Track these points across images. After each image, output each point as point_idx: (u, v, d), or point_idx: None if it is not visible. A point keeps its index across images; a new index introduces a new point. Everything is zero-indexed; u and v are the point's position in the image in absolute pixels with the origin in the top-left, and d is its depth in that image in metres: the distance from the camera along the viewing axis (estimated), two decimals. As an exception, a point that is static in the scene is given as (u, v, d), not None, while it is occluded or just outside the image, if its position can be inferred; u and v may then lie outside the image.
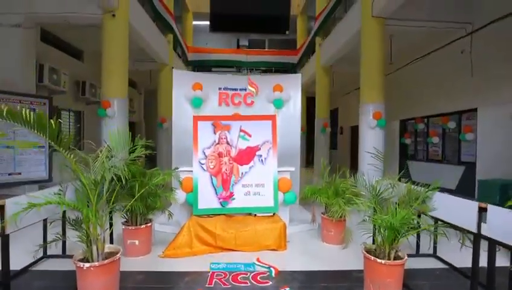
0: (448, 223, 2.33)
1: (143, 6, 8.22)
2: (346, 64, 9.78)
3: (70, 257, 2.80)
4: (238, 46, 16.08)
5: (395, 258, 2.38)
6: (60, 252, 3.07)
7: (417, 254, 3.20)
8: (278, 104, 5.40)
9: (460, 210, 2.20)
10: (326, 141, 11.32)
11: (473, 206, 1.99)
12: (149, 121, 14.97)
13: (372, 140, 6.81)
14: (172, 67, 10.89)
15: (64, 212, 2.56)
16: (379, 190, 2.69)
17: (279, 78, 5.53)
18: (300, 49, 13.77)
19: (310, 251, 3.44)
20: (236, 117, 4.07)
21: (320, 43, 10.85)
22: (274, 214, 3.76)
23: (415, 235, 2.79)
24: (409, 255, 3.08)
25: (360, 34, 6.98)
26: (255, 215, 3.71)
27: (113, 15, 6.30)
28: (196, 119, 3.85)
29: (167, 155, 10.29)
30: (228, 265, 2.99)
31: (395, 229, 2.29)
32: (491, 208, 1.90)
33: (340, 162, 16.18)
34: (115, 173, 2.27)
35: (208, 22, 14.00)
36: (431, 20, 6.80)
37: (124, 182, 2.42)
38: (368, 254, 2.41)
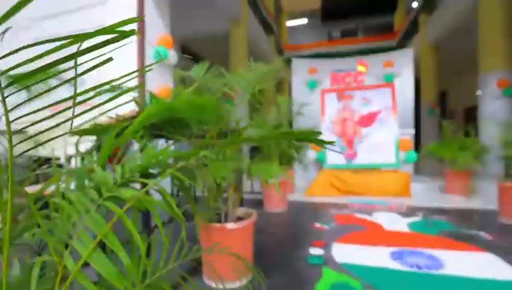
0: None
1: (254, 13, 9.63)
2: (459, 40, 9.05)
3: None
4: (330, 38, 16.39)
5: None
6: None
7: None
8: (389, 79, 5.75)
9: None
10: (434, 126, 10.57)
11: None
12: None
13: (496, 113, 6.32)
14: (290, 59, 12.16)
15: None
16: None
17: (389, 55, 5.86)
18: (399, 31, 13.18)
19: (436, 199, 3.78)
20: (357, 88, 4.68)
21: (425, 20, 10.30)
22: (396, 169, 4.24)
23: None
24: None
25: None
26: (380, 168, 4.27)
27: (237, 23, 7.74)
28: (324, 91, 4.66)
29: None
30: (363, 201, 3.67)
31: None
32: None
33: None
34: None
35: (301, 21, 14.90)
36: None
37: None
38: (505, 183, 2.72)
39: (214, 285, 1.67)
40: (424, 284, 1.61)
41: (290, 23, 16.59)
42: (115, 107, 0.78)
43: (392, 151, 4.27)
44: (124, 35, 0.51)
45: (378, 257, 1.96)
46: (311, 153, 4.61)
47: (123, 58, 3.67)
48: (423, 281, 1.65)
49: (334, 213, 3.12)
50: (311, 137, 0.67)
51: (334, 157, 4.45)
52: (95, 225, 0.60)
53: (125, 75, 0.65)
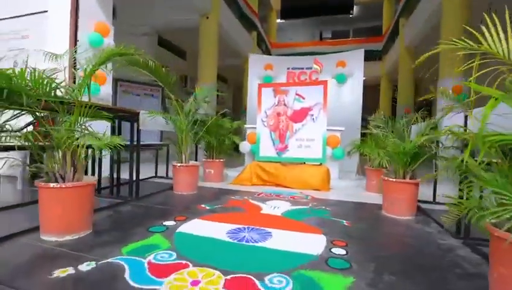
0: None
1: (229, 7, 9.76)
2: (432, 45, 9.11)
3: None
4: (321, 39, 16.47)
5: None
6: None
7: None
8: (341, 78, 5.87)
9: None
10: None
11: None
12: (236, 111, 17.03)
13: (451, 118, 6.41)
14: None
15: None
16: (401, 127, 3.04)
17: (342, 55, 5.98)
18: (385, 35, 13.23)
19: (350, 194, 3.91)
20: (292, 84, 4.82)
21: (404, 23, 10.36)
22: (321, 164, 4.37)
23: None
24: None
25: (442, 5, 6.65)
26: (305, 163, 4.41)
27: (207, 17, 7.90)
28: (260, 86, 4.80)
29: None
30: (274, 191, 3.82)
31: (407, 154, 2.69)
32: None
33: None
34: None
35: (292, 20, 14.98)
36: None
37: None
38: (385, 177, 2.86)
39: (45, 238, 1.84)
40: (230, 251, 1.76)
41: (282, 21, 16.66)
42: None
43: (320, 147, 4.41)
44: None
45: (216, 231, 2.12)
46: (247, 146, 4.77)
47: (55, 39, 3.86)
48: (232, 249, 1.80)
49: (231, 198, 3.28)
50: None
51: (265, 150, 4.60)
52: None
53: None
